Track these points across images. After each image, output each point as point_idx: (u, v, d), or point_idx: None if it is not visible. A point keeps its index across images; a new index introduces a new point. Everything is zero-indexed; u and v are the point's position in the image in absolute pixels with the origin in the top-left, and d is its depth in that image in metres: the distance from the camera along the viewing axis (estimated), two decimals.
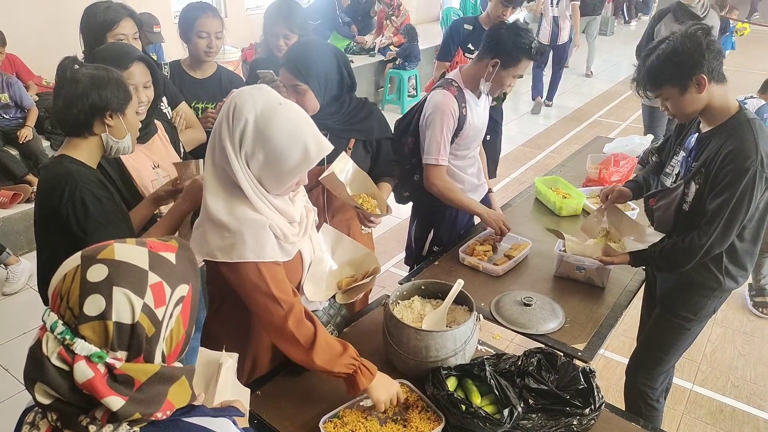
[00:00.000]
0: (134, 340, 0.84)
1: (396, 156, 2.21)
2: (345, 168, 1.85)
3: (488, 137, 3.27)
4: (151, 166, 1.85)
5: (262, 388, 1.60)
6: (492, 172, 3.56)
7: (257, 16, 6.62)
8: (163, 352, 0.90)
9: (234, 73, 2.69)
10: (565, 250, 2.16)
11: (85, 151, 1.56)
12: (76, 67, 1.52)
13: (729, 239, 1.72)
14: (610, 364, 2.91)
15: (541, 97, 7.22)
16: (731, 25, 8.36)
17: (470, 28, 3.40)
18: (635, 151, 3.21)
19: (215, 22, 2.41)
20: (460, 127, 2.26)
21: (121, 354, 0.84)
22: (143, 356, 0.87)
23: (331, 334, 1.61)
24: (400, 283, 1.90)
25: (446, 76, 2.36)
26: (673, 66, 1.66)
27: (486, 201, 2.58)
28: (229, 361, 1.29)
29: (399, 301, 1.74)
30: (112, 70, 1.54)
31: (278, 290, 1.36)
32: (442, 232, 2.52)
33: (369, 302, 2.06)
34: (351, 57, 6.83)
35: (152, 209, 1.74)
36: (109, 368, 0.82)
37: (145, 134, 1.86)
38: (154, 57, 4.28)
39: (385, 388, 1.46)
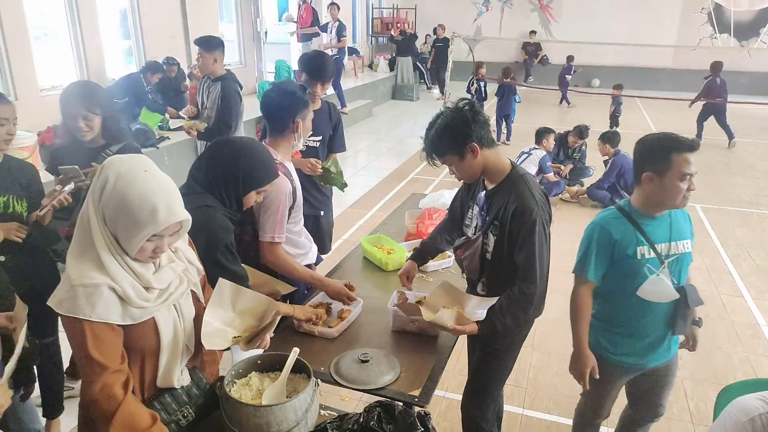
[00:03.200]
0: None
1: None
2: (223, 292, 1.73)
3: (322, 213, 3.37)
4: None
5: None
6: (327, 246, 3.65)
7: (53, 98, 6.14)
8: None
9: (24, 162, 2.47)
10: (399, 305, 2.27)
11: None
12: None
13: (547, 277, 1.99)
14: (453, 404, 3.07)
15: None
16: (516, 93, 9.77)
17: None
18: (445, 204, 3.54)
19: (10, 108, 2.25)
20: (295, 199, 2.35)
21: None
22: None
23: (187, 417, 1.58)
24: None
25: None
26: (448, 138, 1.93)
27: (318, 259, 2.74)
28: None
29: (235, 381, 1.69)
30: None
31: (96, 351, 1.37)
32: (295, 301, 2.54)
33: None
34: (168, 133, 6.63)
35: None
36: None
37: None
38: None
39: None
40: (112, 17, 7.39)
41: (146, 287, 1.44)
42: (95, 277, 1.36)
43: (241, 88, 4.45)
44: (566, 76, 13.37)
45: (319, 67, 3.25)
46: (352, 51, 13.64)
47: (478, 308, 2.04)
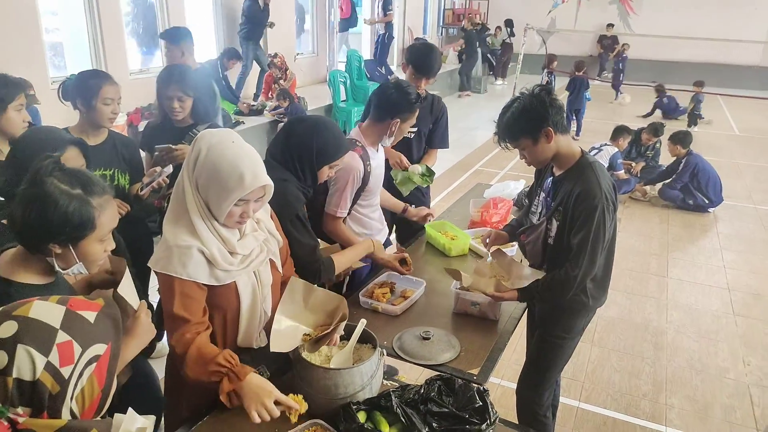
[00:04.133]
0: (35, 397, 0.86)
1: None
2: (295, 290, 1.78)
3: (413, 205, 3.13)
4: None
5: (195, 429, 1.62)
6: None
7: (141, 81, 6.57)
8: (72, 410, 0.91)
9: (127, 137, 2.72)
10: (461, 288, 2.31)
11: (35, 272, 1.38)
12: (54, 175, 1.31)
13: (595, 266, 2.00)
14: (507, 392, 3.12)
15: None
16: (588, 88, 9.52)
17: None
18: (511, 195, 3.58)
19: (116, 89, 2.46)
20: (366, 182, 2.49)
21: (23, 410, 0.86)
22: (47, 413, 0.88)
23: (263, 375, 1.68)
24: None
25: (348, 136, 2.54)
26: (525, 121, 1.96)
27: (387, 242, 2.84)
28: (138, 423, 1.23)
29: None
30: (82, 192, 1.33)
31: (180, 306, 1.54)
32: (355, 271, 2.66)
33: None
34: (243, 118, 6.94)
35: (86, 291, 1.66)
36: (12, 423, 0.84)
37: None
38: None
39: (253, 395, 1.50)
40: (197, 5, 7.74)
41: (231, 252, 1.60)
42: (187, 240, 1.52)
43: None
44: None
45: (427, 63, 3.10)
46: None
47: (523, 277, 2.10)
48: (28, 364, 0.86)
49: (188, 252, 1.52)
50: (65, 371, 0.89)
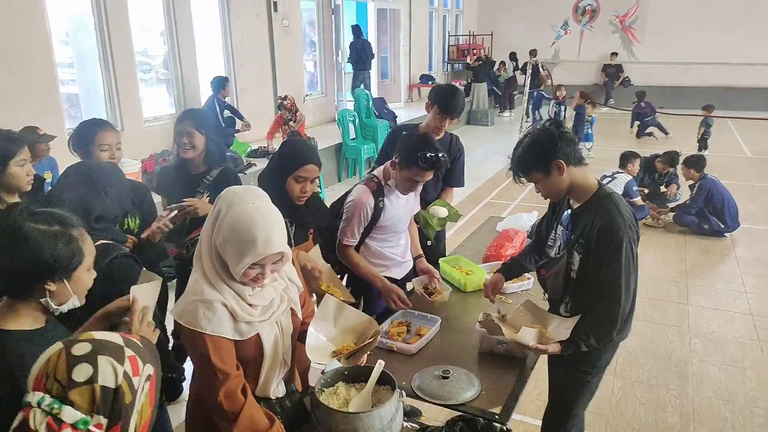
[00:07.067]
0: (116, 405, 0.92)
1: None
2: (328, 308, 1.88)
3: (429, 242, 3.17)
4: None
5: None
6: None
7: (154, 128, 6.72)
8: (136, 426, 0.97)
9: (138, 182, 2.78)
10: (485, 327, 2.27)
11: (25, 318, 1.38)
12: (28, 219, 1.34)
13: (631, 297, 1.97)
14: (530, 428, 3.04)
15: None
16: (592, 117, 9.63)
17: None
18: (524, 227, 3.57)
19: (114, 135, 2.54)
20: (377, 217, 2.57)
21: (103, 420, 0.92)
22: (121, 425, 0.93)
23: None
24: (323, 373, 1.96)
25: (373, 172, 2.67)
26: (535, 155, 1.98)
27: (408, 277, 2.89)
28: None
29: (324, 389, 1.80)
30: (61, 227, 1.36)
31: (217, 359, 1.53)
32: (372, 301, 2.74)
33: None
34: (255, 160, 7.03)
35: (102, 326, 1.65)
36: None
37: None
38: (49, 175, 4.22)
39: None
40: (207, 54, 7.93)
41: (250, 304, 1.59)
42: (211, 294, 1.53)
43: None
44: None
45: (451, 103, 3.03)
46: (429, 78, 13.90)
47: (562, 328, 2.04)
48: (110, 371, 0.93)
49: (212, 306, 1.52)
50: (135, 381, 0.96)
